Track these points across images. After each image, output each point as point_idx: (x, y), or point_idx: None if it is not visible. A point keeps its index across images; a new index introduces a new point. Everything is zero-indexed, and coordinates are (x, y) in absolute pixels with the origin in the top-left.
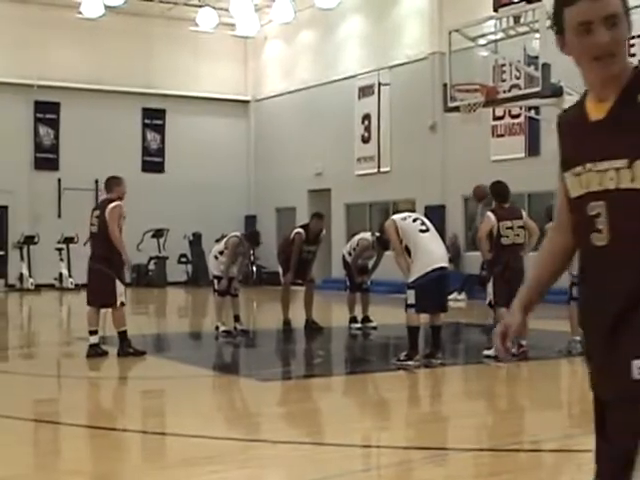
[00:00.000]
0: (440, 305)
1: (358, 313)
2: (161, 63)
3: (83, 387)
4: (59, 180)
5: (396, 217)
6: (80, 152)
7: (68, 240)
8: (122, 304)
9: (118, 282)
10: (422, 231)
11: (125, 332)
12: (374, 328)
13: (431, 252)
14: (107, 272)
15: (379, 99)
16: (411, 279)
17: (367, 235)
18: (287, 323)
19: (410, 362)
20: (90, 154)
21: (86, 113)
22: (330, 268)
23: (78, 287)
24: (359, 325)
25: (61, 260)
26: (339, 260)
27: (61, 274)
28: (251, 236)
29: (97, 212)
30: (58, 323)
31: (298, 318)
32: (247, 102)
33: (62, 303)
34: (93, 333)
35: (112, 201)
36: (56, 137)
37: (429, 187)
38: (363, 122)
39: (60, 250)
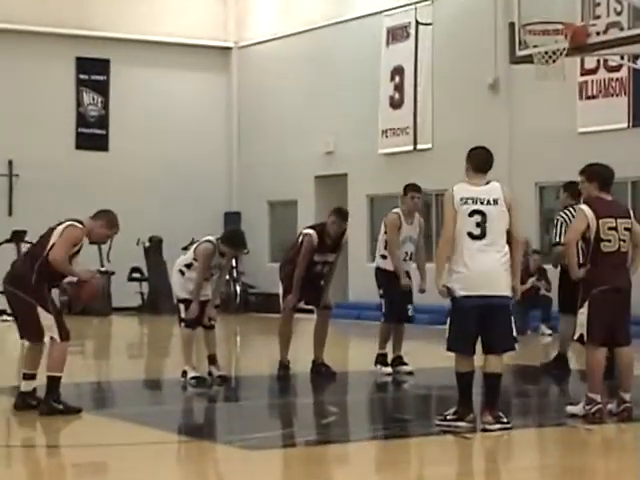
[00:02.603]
0: (488, 345)
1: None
2: None
3: None
4: None
5: (458, 193)
6: None
7: None
8: (53, 339)
9: (41, 310)
10: (472, 236)
11: (57, 379)
12: (409, 373)
13: (476, 272)
14: (24, 297)
15: (416, 46)
16: (456, 294)
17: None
18: (285, 366)
19: (461, 423)
20: (1, 124)
21: None
22: (346, 288)
23: None
24: (389, 370)
25: None
26: (360, 275)
27: None
28: (232, 238)
29: (52, 227)
30: None
31: (302, 359)
32: (227, 49)
33: None
34: (27, 377)
35: (77, 221)
36: None
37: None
38: (393, 79)
39: None
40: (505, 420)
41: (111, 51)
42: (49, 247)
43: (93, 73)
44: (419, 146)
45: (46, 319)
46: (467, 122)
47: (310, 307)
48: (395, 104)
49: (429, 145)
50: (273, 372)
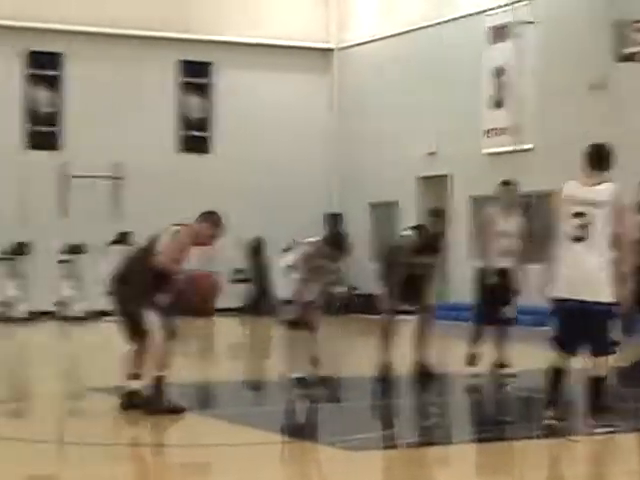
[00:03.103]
0: (575, 347)
1: (482, 353)
2: None
3: (95, 459)
4: (63, 164)
5: (567, 189)
6: (92, 124)
7: (75, 249)
8: (159, 339)
9: (147, 311)
10: (575, 239)
11: (162, 379)
12: (512, 375)
13: (566, 274)
14: (130, 298)
15: (518, 45)
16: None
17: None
18: (387, 368)
19: (562, 422)
20: (106, 127)
21: (99, 69)
22: (448, 289)
23: (90, 315)
24: (476, 370)
25: (65, 277)
26: (461, 276)
27: (65, 297)
28: (334, 240)
29: (160, 231)
30: (61, 368)
31: (404, 360)
32: (329, 51)
33: (66, 338)
34: (133, 377)
35: (184, 225)
36: (57, 103)
37: None
38: (495, 79)
39: (64, 263)
40: (609, 423)
41: (213, 54)
42: (157, 252)
43: (196, 76)
44: (522, 145)
45: (152, 320)
46: (569, 121)
47: (409, 307)
48: (498, 104)
49: (531, 145)
50: (375, 373)
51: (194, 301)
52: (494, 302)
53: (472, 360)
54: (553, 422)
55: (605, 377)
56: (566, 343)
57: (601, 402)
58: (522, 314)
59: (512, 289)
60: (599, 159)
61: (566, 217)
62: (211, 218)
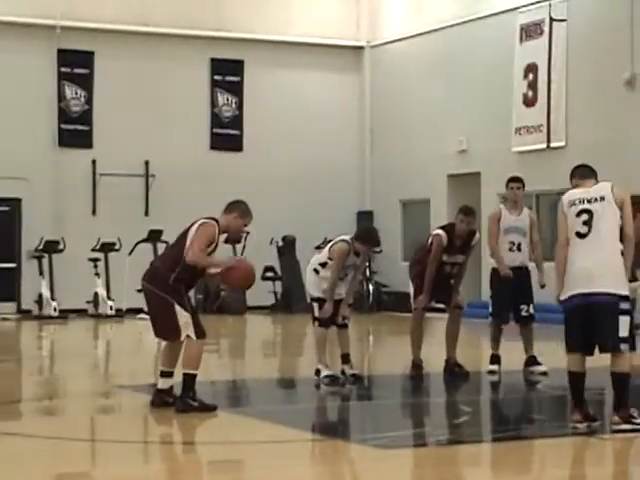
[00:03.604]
0: (591, 345)
1: (508, 351)
2: None
3: (127, 456)
4: (93, 162)
5: (567, 197)
6: (123, 122)
7: (107, 247)
8: (190, 337)
9: (179, 309)
10: (580, 235)
11: (193, 377)
12: (544, 374)
13: (574, 271)
14: (162, 296)
15: (550, 42)
16: (561, 298)
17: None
18: (418, 366)
19: (591, 423)
20: (137, 125)
21: (130, 67)
22: (480, 287)
23: (121, 313)
24: (493, 368)
25: (96, 275)
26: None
27: (96, 295)
28: (365, 234)
29: (189, 226)
30: (92, 365)
31: (435, 358)
32: (360, 49)
33: (98, 336)
34: (164, 375)
35: (210, 218)
36: (89, 101)
37: (628, 170)
38: (526, 76)
39: (95, 261)
40: (637, 421)
41: (245, 52)
42: (187, 248)
43: (227, 74)
44: (552, 144)
45: (183, 317)
46: (602, 120)
47: (441, 306)
48: (528, 102)
49: (562, 143)
50: (406, 371)
51: (235, 286)
52: (511, 301)
53: (494, 359)
54: (580, 425)
55: (628, 373)
56: (573, 341)
57: (625, 399)
58: (553, 312)
59: (528, 286)
60: (589, 169)
61: (572, 218)
62: (239, 208)
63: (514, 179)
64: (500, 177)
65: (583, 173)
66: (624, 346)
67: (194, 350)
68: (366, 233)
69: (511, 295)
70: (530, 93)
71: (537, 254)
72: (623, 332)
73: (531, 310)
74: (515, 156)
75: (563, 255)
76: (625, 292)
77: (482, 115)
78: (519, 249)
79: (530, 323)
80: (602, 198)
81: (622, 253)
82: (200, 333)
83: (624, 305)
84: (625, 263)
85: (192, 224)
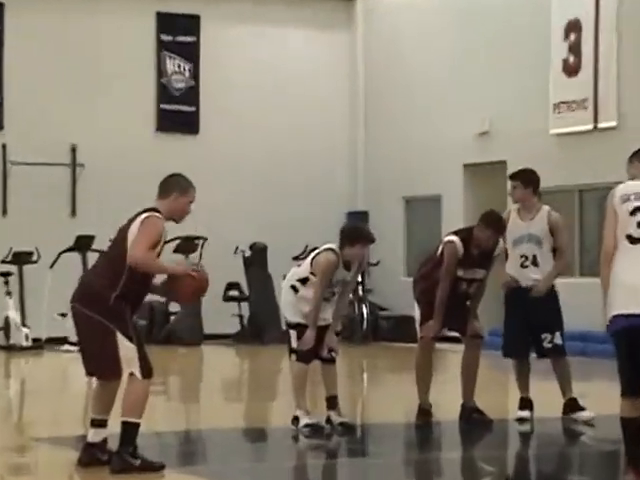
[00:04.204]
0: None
1: (542, 392)
2: None
3: None
4: (3, 147)
5: (619, 191)
6: (42, 96)
7: (21, 258)
8: (133, 375)
9: (121, 338)
10: (633, 239)
11: (135, 427)
12: (588, 422)
13: (622, 284)
14: (99, 321)
15: None
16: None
17: None
18: (426, 411)
19: None
20: (61, 100)
21: (51, 23)
22: (502, 310)
23: (39, 344)
24: (523, 414)
25: (7, 295)
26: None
27: (8, 320)
28: (352, 233)
29: (125, 224)
30: (2, 411)
31: (448, 402)
32: (351, 2)
33: (9, 374)
34: (96, 424)
35: (151, 209)
36: None
37: None
38: (567, 37)
39: (6, 276)
40: None
41: (202, 4)
42: (130, 250)
43: (179, 33)
44: (601, 124)
45: (127, 349)
46: None
47: (456, 335)
48: (570, 70)
49: (614, 123)
50: (410, 419)
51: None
52: (525, 328)
53: (523, 404)
54: None
55: None
56: (625, 378)
57: None
58: (597, 342)
59: (552, 309)
60: None
61: (623, 216)
62: (176, 184)
63: (511, 176)
64: (533, 167)
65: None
66: None
67: (138, 392)
68: (352, 231)
69: (527, 322)
70: (572, 58)
71: (558, 263)
72: None
73: (557, 340)
74: (552, 140)
75: (608, 269)
76: None
77: (509, 87)
78: (535, 263)
79: (560, 356)
80: None
81: None
82: (147, 371)
83: None
84: None
85: (130, 222)
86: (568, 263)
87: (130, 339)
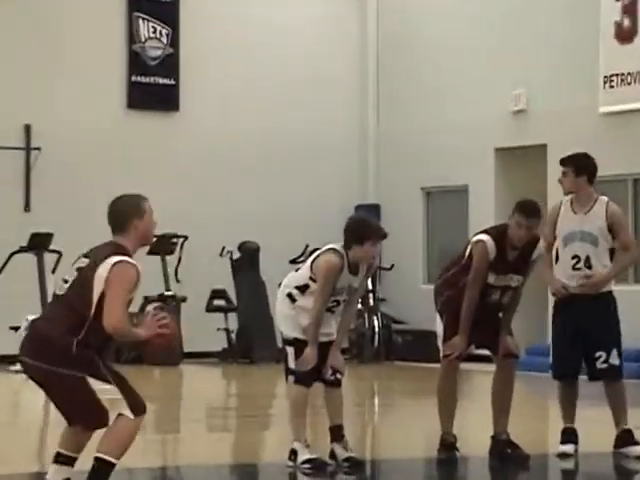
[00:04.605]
0: None
1: (589, 422)
2: None
3: None
4: None
5: None
6: None
7: None
8: (124, 415)
9: (94, 382)
10: None
11: (110, 467)
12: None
13: None
14: (63, 373)
15: None
16: None
17: None
18: (450, 444)
19: None
20: (13, 73)
21: None
22: (545, 324)
23: None
24: (566, 448)
25: None
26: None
27: None
28: (360, 228)
29: (83, 261)
30: None
31: (476, 433)
32: None
33: None
34: (61, 460)
35: (119, 252)
36: None
37: None
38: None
39: None
40: None
41: None
42: (94, 301)
43: None
44: None
45: (107, 392)
46: None
47: (486, 353)
48: (624, 35)
49: None
50: (431, 454)
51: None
52: (577, 345)
53: (569, 437)
54: None
55: None
56: None
57: None
58: (637, 360)
59: (609, 323)
60: None
61: None
62: (131, 211)
63: (561, 161)
64: (578, 151)
65: None
66: None
67: (125, 431)
68: (360, 226)
69: (580, 337)
70: (626, 22)
71: (619, 259)
72: None
73: (613, 360)
74: (603, 119)
75: None
76: None
77: (549, 58)
78: (588, 266)
79: (615, 379)
80: None
81: None
82: (137, 408)
83: None
84: None
85: (95, 263)
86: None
87: (105, 380)
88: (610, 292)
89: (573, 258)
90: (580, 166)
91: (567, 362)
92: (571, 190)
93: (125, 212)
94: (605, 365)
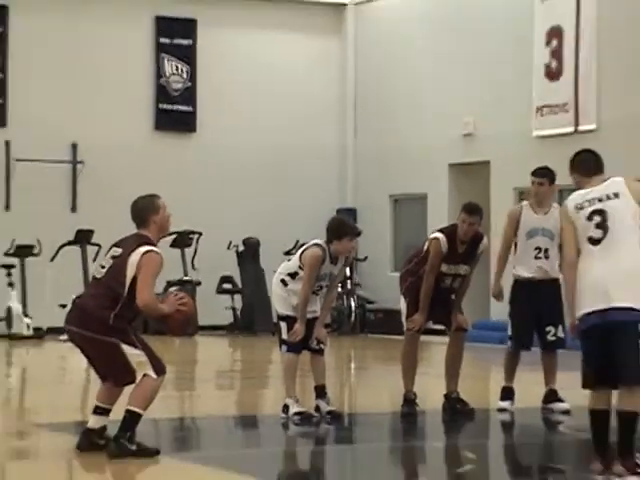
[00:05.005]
0: (610, 376)
1: (524, 383)
2: None
3: None
4: (7, 144)
5: (571, 201)
6: (45, 95)
7: (23, 250)
8: (148, 375)
9: (127, 347)
10: (593, 241)
11: (137, 417)
12: (566, 412)
13: (587, 284)
14: (101, 339)
15: (578, 2)
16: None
17: None
18: (411, 401)
19: (628, 478)
20: (63, 99)
21: (55, 25)
22: (488, 304)
23: (40, 334)
24: (504, 405)
25: (10, 286)
26: (506, 289)
27: (10, 311)
28: (338, 227)
29: (117, 251)
30: (3, 398)
31: (432, 392)
32: (341, 6)
33: (11, 362)
34: (99, 412)
35: (145, 242)
36: (2, 68)
37: None
38: (549, 43)
39: (8, 268)
40: None
41: (198, 9)
42: (127, 283)
43: (176, 36)
44: (581, 127)
45: (135, 356)
46: None
47: (441, 328)
48: (552, 74)
49: (593, 125)
50: (396, 408)
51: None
52: (534, 320)
53: (507, 394)
54: (600, 477)
55: (634, 413)
56: (592, 372)
57: (633, 445)
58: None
59: (557, 303)
60: (594, 161)
61: (581, 223)
62: (149, 209)
63: (536, 172)
64: (516, 167)
65: (586, 168)
66: None
67: (149, 388)
68: (337, 226)
69: (536, 314)
70: (554, 64)
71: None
72: None
73: (560, 333)
74: (535, 141)
75: (574, 274)
76: None
77: (494, 91)
78: (546, 256)
79: (556, 349)
80: (616, 195)
81: None
82: (160, 369)
83: None
84: None
85: (126, 252)
86: None
87: (134, 346)
88: (557, 279)
89: (535, 249)
90: (553, 178)
91: (525, 336)
92: (545, 196)
93: (144, 210)
94: (554, 337)
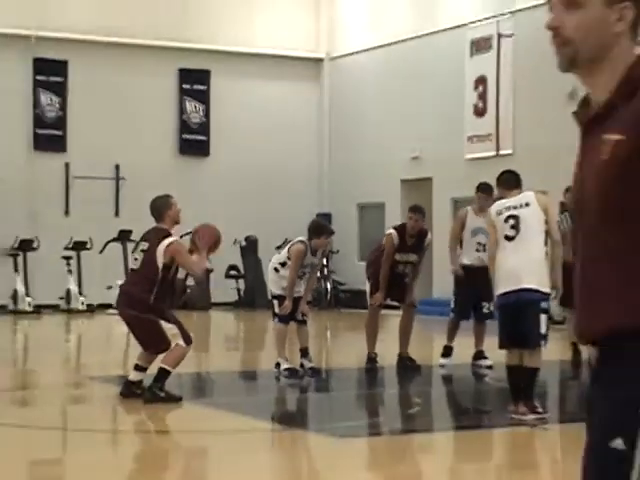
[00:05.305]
0: (519, 340)
1: (460, 346)
2: (203, 8)
3: (96, 444)
4: (66, 165)
5: (494, 208)
6: (95, 128)
7: (79, 245)
8: (179, 345)
9: (164, 323)
10: (508, 238)
11: (167, 374)
12: (489, 367)
13: (503, 271)
14: (145, 317)
15: (498, 56)
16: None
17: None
18: (372, 359)
19: (529, 416)
20: (109, 130)
21: (103, 75)
22: (431, 285)
23: (92, 309)
24: (444, 361)
25: (69, 272)
26: (444, 273)
27: (69, 291)
28: (316, 228)
29: (144, 245)
30: (64, 357)
31: (389, 353)
32: (319, 61)
33: (70, 330)
34: (138, 368)
35: (166, 234)
36: (62, 107)
37: (569, 176)
38: (477, 88)
39: (68, 259)
40: (540, 410)
41: (211, 62)
42: (159, 270)
43: (195, 83)
44: (501, 152)
45: (170, 329)
46: (546, 129)
47: (396, 303)
48: (479, 112)
49: (510, 151)
50: (361, 365)
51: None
52: (472, 299)
53: (447, 352)
54: (517, 416)
55: (539, 368)
56: (506, 338)
57: (533, 392)
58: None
59: (490, 284)
60: (512, 181)
61: (500, 224)
62: (164, 206)
63: (480, 186)
64: (451, 183)
65: (508, 184)
66: (542, 342)
67: (179, 353)
68: (316, 227)
69: (474, 293)
70: (480, 104)
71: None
72: (543, 329)
73: (491, 308)
74: (466, 163)
75: (494, 263)
76: (547, 290)
77: (436, 124)
78: (484, 249)
79: (487, 319)
80: (527, 204)
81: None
82: (188, 340)
83: (544, 304)
84: (554, 265)
85: (153, 244)
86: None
87: (169, 321)
88: (487, 267)
89: (478, 244)
90: (492, 191)
91: (466, 310)
92: (486, 204)
93: (160, 207)
94: (488, 311)
